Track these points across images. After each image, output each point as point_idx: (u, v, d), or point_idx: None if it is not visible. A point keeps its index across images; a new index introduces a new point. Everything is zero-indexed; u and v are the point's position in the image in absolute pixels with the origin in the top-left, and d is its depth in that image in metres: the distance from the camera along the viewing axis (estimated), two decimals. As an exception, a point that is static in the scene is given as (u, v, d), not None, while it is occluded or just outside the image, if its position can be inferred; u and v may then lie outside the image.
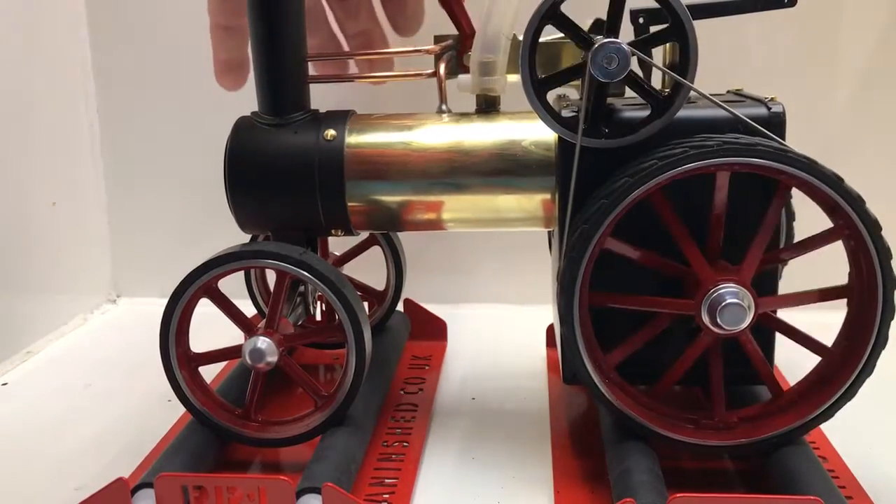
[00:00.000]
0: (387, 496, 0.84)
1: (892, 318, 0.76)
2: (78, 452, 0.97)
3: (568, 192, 0.80)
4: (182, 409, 0.92)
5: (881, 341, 0.76)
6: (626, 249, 0.80)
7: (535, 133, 0.87)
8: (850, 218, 0.74)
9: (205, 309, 0.89)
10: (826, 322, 0.82)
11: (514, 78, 0.81)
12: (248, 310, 1.01)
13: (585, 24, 0.86)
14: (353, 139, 0.90)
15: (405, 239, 1.15)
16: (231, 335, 0.88)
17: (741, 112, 0.79)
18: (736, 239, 0.80)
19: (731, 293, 0.76)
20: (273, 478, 0.76)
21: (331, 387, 0.88)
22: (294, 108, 0.91)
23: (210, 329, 0.91)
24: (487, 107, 0.91)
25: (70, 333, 1.36)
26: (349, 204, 0.90)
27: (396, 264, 1.14)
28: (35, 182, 1.32)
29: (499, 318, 1.37)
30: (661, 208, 0.79)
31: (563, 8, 0.77)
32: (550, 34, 0.85)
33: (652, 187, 0.75)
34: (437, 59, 0.92)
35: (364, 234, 1.09)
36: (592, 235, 0.76)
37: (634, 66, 0.75)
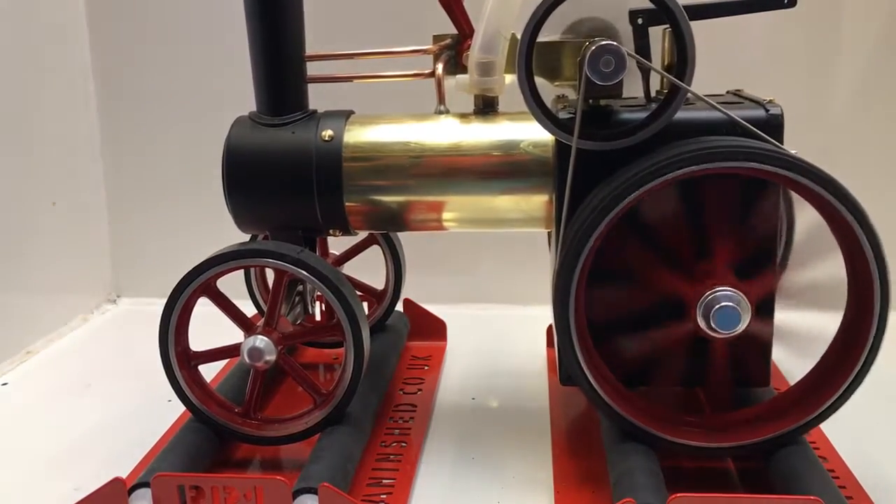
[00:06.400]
0: (384, 496, 0.84)
1: (889, 318, 0.75)
2: (77, 452, 0.97)
3: (565, 193, 0.80)
4: (181, 409, 0.93)
5: (878, 341, 0.76)
6: (622, 252, 0.80)
7: (533, 134, 0.87)
8: (846, 221, 0.74)
9: (204, 308, 0.89)
10: (824, 321, 0.82)
11: (513, 78, 0.81)
12: (248, 310, 1.01)
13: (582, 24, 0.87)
14: (350, 139, 0.90)
15: (405, 238, 1.15)
16: (230, 334, 0.88)
17: (739, 114, 0.79)
18: (739, 243, 0.80)
19: (727, 297, 0.76)
20: (269, 477, 0.76)
21: (330, 386, 0.88)
22: (292, 108, 0.91)
23: (209, 328, 0.91)
24: (486, 107, 0.91)
25: (70, 333, 1.36)
26: (347, 204, 0.90)
27: (396, 264, 1.14)
28: (35, 182, 1.32)
29: (499, 318, 1.37)
30: (654, 212, 0.79)
31: (562, 6, 0.77)
32: (548, 34, 0.85)
33: (645, 191, 0.75)
34: (436, 58, 0.92)
35: (363, 234, 1.09)
36: (588, 238, 0.76)
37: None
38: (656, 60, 0.83)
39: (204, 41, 1.42)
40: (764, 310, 0.81)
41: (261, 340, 0.85)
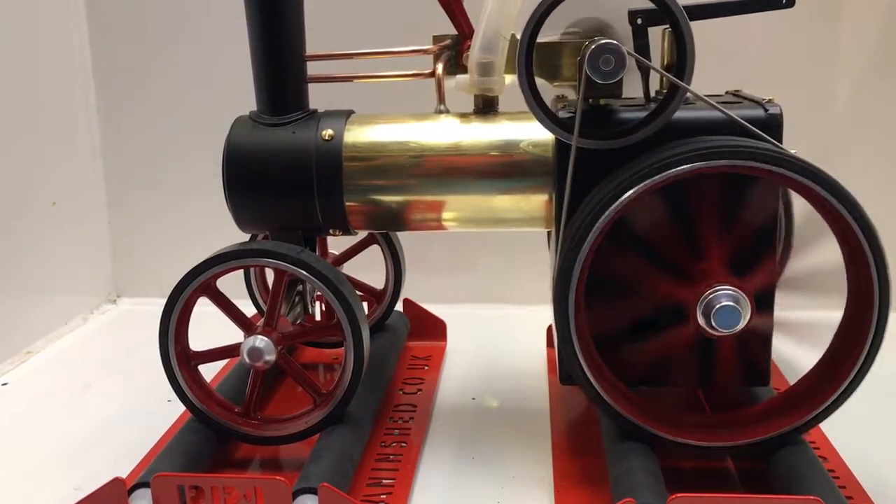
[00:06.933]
0: (384, 497, 0.84)
1: (888, 319, 0.75)
2: (77, 452, 0.97)
3: (564, 192, 0.80)
4: (181, 409, 0.93)
5: (878, 341, 0.76)
6: (622, 252, 0.80)
7: (533, 133, 0.87)
8: (846, 221, 0.74)
9: (204, 308, 0.89)
10: (824, 321, 0.82)
11: (513, 78, 0.81)
12: (248, 310, 1.01)
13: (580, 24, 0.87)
14: (350, 139, 0.90)
15: (405, 238, 1.15)
16: (230, 334, 0.88)
17: (738, 114, 0.79)
18: (735, 241, 0.80)
19: (727, 295, 0.76)
20: (269, 478, 0.76)
21: (330, 385, 0.88)
22: (292, 108, 0.91)
23: (209, 328, 0.91)
24: (486, 107, 0.91)
25: (70, 333, 1.36)
26: (347, 204, 0.90)
27: (396, 264, 1.14)
28: (35, 182, 1.32)
29: (499, 318, 1.37)
30: (654, 212, 0.79)
31: (562, 6, 0.77)
32: (548, 34, 0.85)
33: (646, 189, 0.75)
34: (436, 58, 0.92)
35: (363, 234, 1.09)
36: (587, 237, 0.76)
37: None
38: (656, 60, 0.83)
39: (204, 41, 1.42)
40: (764, 308, 0.81)
41: (261, 340, 0.85)
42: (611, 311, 0.82)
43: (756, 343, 0.82)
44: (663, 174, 0.74)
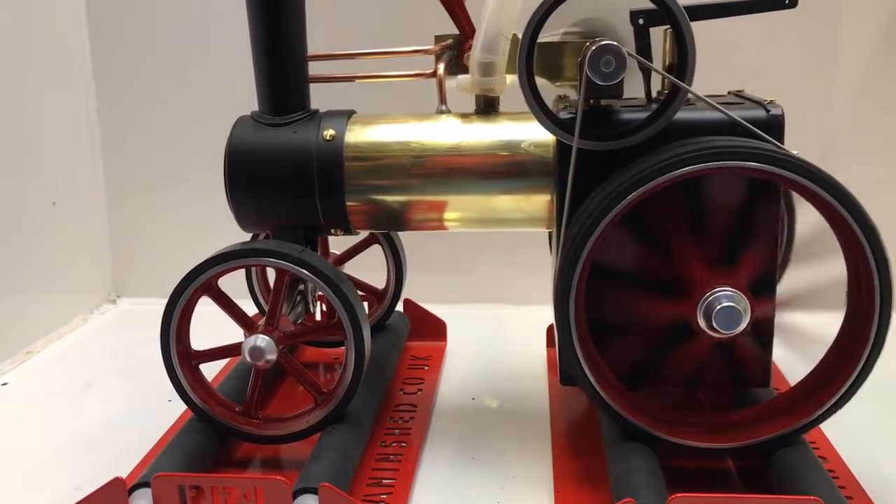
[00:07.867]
0: (384, 497, 0.84)
1: (890, 320, 0.75)
2: (77, 452, 0.97)
3: (565, 193, 0.80)
4: (182, 409, 0.93)
5: (880, 342, 0.76)
6: (622, 252, 0.80)
7: (534, 134, 0.87)
8: (847, 222, 0.74)
9: (206, 307, 0.89)
10: (825, 322, 0.82)
11: (514, 78, 0.82)
12: (250, 309, 1.01)
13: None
14: (352, 139, 0.90)
15: (405, 238, 1.15)
16: (232, 333, 0.88)
17: (739, 114, 0.79)
18: (735, 241, 0.80)
19: (727, 296, 0.76)
20: (269, 477, 0.76)
21: (330, 385, 0.88)
22: (294, 108, 0.91)
23: (210, 327, 0.91)
24: (487, 107, 0.91)
25: (70, 333, 1.36)
26: (348, 203, 0.90)
27: (396, 263, 1.14)
28: (35, 182, 1.32)
29: (499, 318, 1.37)
30: (656, 212, 0.79)
31: (563, 7, 0.77)
32: (549, 34, 0.85)
33: (646, 191, 0.75)
34: (437, 58, 0.92)
35: (364, 234, 1.09)
36: (588, 238, 0.76)
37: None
38: (657, 60, 0.83)
39: (205, 41, 1.42)
40: (764, 307, 0.81)
41: (262, 340, 0.85)
42: (629, 338, 0.83)
43: (756, 344, 0.82)
44: (666, 175, 0.74)
